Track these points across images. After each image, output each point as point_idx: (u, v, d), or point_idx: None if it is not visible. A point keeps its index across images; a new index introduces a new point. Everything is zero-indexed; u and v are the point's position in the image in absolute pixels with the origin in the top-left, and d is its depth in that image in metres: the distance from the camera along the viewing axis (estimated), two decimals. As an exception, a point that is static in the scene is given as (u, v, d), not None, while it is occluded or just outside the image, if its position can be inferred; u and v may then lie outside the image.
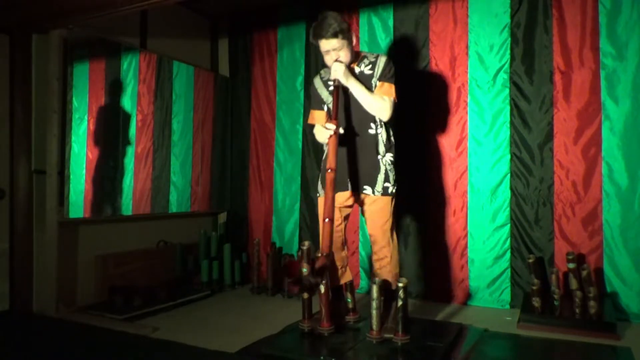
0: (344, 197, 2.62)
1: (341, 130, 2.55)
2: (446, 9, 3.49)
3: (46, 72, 3.14)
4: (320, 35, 2.53)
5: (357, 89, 2.53)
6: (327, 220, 2.38)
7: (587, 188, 3.08)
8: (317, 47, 2.63)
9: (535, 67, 3.23)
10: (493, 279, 3.31)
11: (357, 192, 2.62)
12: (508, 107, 3.30)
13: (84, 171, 3.32)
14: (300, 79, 4.09)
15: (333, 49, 2.53)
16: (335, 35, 2.49)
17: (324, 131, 2.51)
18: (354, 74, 2.59)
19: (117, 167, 3.54)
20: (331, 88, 2.62)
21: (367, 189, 2.58)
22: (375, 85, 2.59)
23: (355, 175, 2.60)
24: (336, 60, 2.54)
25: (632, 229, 2.95)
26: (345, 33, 2.53)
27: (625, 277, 2.96)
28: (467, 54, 3.42)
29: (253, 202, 4.31)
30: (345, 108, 2.63)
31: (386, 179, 2.57)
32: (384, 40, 3.70)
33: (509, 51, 3.29)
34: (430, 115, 3.53)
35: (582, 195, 3.09)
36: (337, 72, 2.50)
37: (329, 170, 2.42)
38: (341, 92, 2.59)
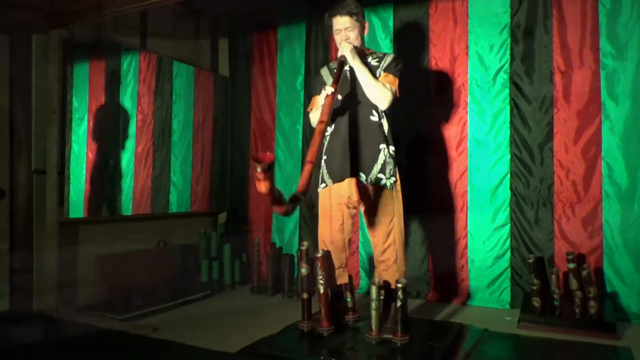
0: (343, 190, 2.58)
1: (338, 97, 2.54)
2: (446, 9, 3.49)
3: (46, 72, 3.14)
4: (335, 12, 2.61)
5: (360, 70, 2.54)
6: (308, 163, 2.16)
7: (587, 188, 3.08)
8: (330, 28, 2.68)
9: (535, 67, 3.23)
10: (493, 279, 3.31)
11: (356, 179, 2.58)
12: (508, 107, 3.29)
13: (84, 171, 3.33)
14: (300, 79, 4.09)
15: (345, 28, 2.60)
16: (349, 14, 2.57)
17: (322, 94, 2.51)
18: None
19: (117, 167, 3.54)
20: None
21: (362, 176, 2.58)
22: (380, 75, 2.60)
23: (355, 163, 2.57)
24: (345, 41, 2.59)
25: (632, 229, 2.95)
26: (359, 16, 2.61)
27: (625, 277, 2.96)
28: (467, 54, 3.42)
29: (253, 202, 4.31)
30: (349, 94, 2.63)
31: (381, 170, 2.56)
32: (384, 40, 3.70)
33: (509, 51, 3.29)
34: (430, 115, 3.53)
35: (582, 195, 3.09)
36: (345, 49, 2.54)
37: (321, 123, 2.31)
38: (346, 76, 2.61)
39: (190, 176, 4.14)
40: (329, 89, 2.43)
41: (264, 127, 4.27)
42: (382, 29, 3.70)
